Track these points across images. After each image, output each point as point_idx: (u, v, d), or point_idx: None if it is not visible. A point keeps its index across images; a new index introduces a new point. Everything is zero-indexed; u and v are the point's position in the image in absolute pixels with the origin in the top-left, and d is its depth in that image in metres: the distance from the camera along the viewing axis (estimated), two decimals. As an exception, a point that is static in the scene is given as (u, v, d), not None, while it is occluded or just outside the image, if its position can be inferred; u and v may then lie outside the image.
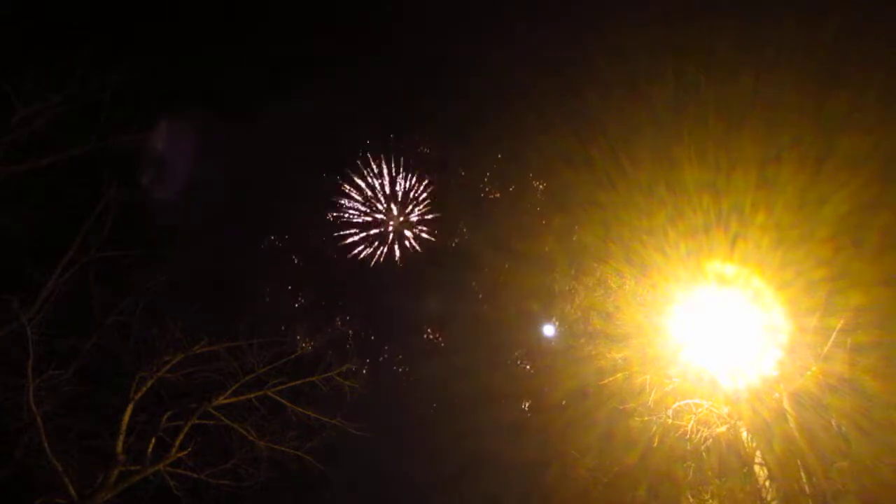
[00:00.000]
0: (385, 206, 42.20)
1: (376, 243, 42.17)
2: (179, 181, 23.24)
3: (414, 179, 41.48)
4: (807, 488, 12.99)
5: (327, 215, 40.02)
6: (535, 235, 21.95)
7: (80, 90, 15.84)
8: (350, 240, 41.29)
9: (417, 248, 43.09)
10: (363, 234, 41.51)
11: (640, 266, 16.72)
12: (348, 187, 40.97)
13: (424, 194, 41.98)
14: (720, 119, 16.05)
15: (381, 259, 41.37)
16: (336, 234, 40.92)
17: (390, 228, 42.34)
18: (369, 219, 41.76)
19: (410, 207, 42.59)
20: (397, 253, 42.77)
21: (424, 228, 42.85)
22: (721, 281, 15.20)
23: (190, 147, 23.70)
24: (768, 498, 13.92)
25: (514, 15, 30.85)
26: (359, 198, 41.38)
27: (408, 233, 42.60)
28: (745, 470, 14.46)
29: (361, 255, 41.11)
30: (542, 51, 27.10)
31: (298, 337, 19.79)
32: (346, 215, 41.39)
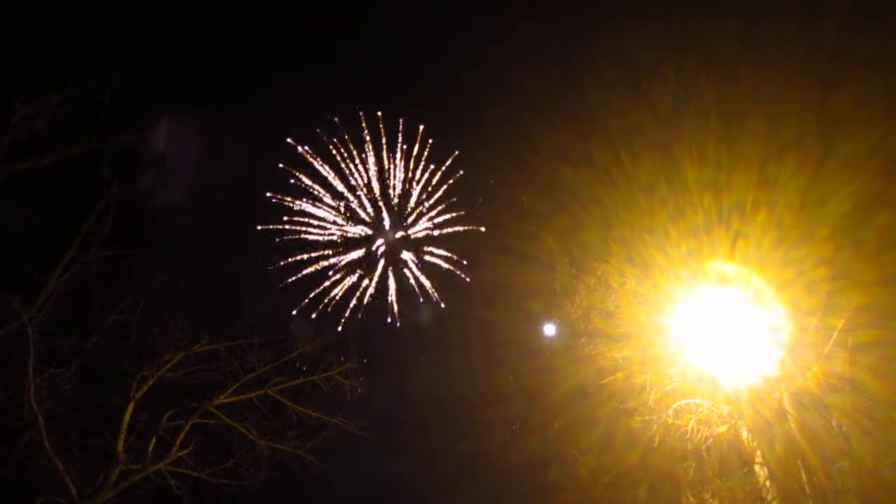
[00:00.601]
0: (373, 212, 27.33)
1: (358, 275, 27.04)
2: (179, 181, 23.25)
3: (419, 173, 28.41)
4: (807, 488, 12.98)
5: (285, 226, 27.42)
6: (535, 234, 21.92)
7: (80, 90, 15.83)
8: (319, 265, 26.88)
9: (427, 286, 27.62)
10: (338, 259, 26.91)
11: (642, 265, 16.69)
12: (312, 183, 27.36)
13: (438, 195, 27.85)
14: (721, 117, 16.02)
15: (367, 299, 27.31)
16: (300, 259, 27.43)
17: (381, 249, 27.76)
18: (351, 232, 27.55)
19: (415, 216, 28.06)
20: (392, 292, 27.67)
21: (435, 251, 27.77)
22: (722, 280, 15.19)
23: (190, 147, 23.70)
24: (769, 497, 13.88)
25: (515, 13, 30.83)
26: (332, 202, 27.30)
27: (408, 255, 28.15)
28: (745, 469, 14.42)
29: (336, 293, 26.93)
30: (543, 49, 27.09)
31: (298, 338, 19.68)
32: (314, 228, 27.30)
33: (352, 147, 28.18)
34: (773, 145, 14.97)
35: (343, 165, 27.83)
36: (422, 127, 28.82)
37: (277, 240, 27.41)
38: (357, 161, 28.09)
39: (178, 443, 16.58)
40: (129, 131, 17.06)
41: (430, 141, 28.82)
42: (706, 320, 14.87)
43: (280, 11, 33.15)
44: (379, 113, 28.69)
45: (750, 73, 15.82)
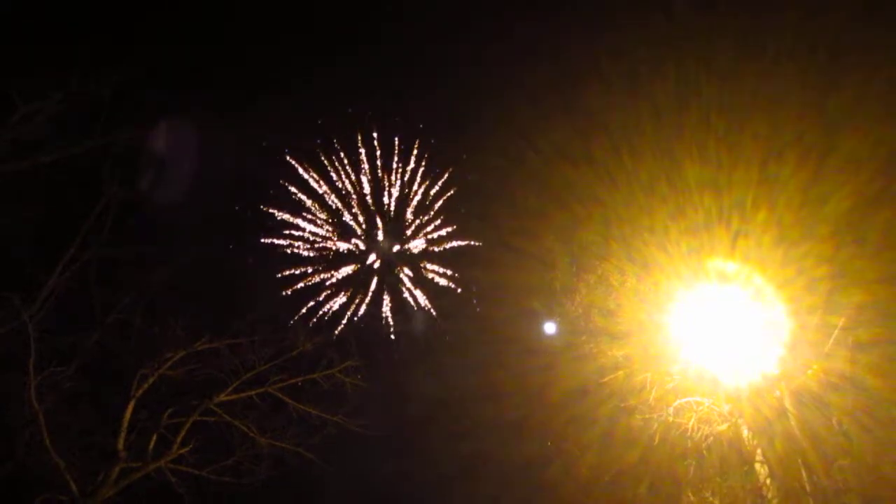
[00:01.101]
0: (365, 223, 25.95)
1: (351, 291, 25.86)
2: (180, 180, 23.22)
3: (416, 182, 27.36)
4: (808, 486, 12.96)
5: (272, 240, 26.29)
6: (535, 233, 21.90)
7: (80, 88, 15.82)
8: (312, 279, 25.89)
9: (426, 305, 26.39)
10: (331, 274, 25.77)
11: (642, 263, 16.68)
12: (305, 198, 26.19)
13: (438, 203, 26.71)
14: (721, 115, 16.01)
15: (362, 313, 26.14)
16: (294, 273, 26.39)
17: (376, 264, 26.51)
18: (344, 248, 26.02)
19: (414, 227, 26.97)
20: (387, 309, 26.33)
21: (433, 268, 26.67)
22: (722, 278, 15.18)
23: (191, 146, 23.67)
24: (769, 496, 13.87)
25: (515, 13, 30.82)
26: (320, 213, 26.22)
27: (406, 274, 26.86)
28: (746, 468, 14.41)
29: (332, 306, 25.95)
30: (542, 46, 27.08)
31: (298, 336, 19.64)
32: (306, 244, 26.02)
33: (343, 155, 27.40)
34: (773, 143, 14.96)
35: (335, 175, 27.05)
36: (420, 131, 28.10)
37: (249, 260, 26.74)
38: (350, 169, 27.33)
39: (178, 440, 16.62)
40: (130, 130, 17.08)
41: (433, 141, 28.14)
42: (707, 318, 14.86)
43: (280, 11, 33.15)
44: (374, 113, 28.15)
45: (751, 72, 15.82)
